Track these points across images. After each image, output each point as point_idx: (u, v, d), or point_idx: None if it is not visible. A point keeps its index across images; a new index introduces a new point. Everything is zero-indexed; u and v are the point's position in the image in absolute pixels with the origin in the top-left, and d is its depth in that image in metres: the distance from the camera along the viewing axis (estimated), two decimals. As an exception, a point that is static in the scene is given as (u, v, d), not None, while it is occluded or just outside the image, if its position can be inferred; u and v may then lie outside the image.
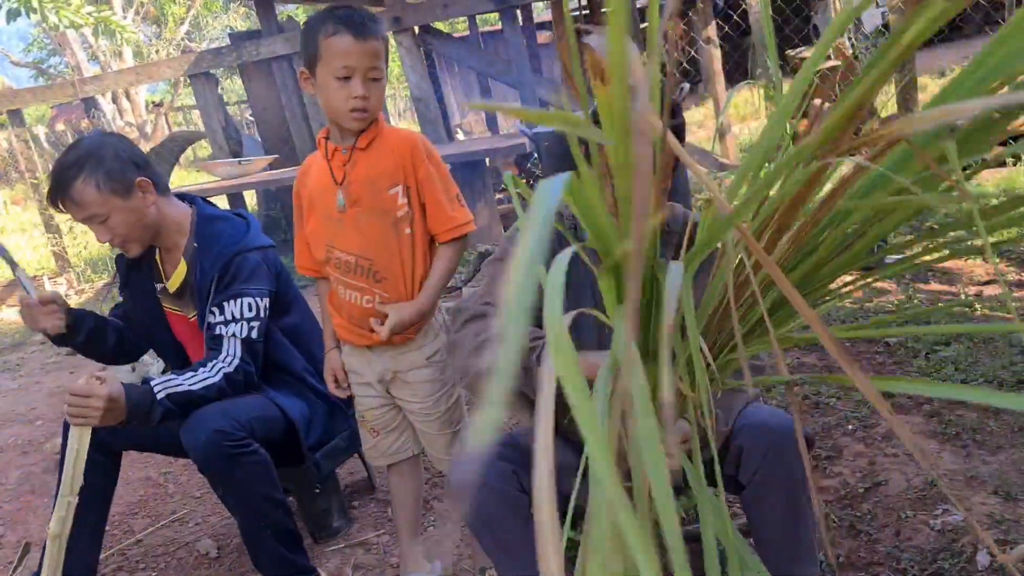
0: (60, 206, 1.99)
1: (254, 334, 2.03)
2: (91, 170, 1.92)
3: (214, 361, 1.99)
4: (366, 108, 1.76)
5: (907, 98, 5.21)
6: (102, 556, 2.55)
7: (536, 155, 5.07)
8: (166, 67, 6.46)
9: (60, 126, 21.13)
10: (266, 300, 2.07)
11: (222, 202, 5.82)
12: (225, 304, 2.02)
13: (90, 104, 6.67)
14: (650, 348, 1.22)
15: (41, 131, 18.49)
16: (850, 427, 2.41)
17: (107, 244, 2.07)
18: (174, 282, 2.14)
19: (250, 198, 7.42)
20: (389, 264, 1.83)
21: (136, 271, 2.21)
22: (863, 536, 1.95)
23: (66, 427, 2.00)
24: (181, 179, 15.03)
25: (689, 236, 1.68)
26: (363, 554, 2.30)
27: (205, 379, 1.95)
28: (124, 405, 1.84)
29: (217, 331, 2.02)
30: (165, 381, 1.92)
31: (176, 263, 2.13)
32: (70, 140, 16.86)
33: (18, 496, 3.17)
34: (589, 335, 1.66)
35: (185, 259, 2.11)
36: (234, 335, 2.01)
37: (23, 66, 25.89)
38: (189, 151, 12.24)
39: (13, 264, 2.08)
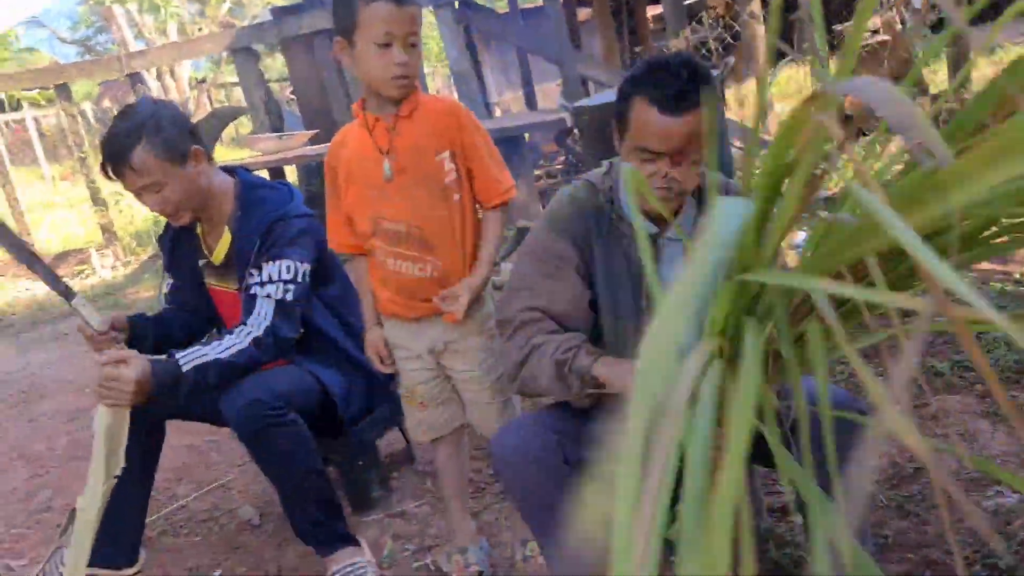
0: (114, 174, 1.97)
1: (289, 296, 2.01)
2: (150, 138, 1.91)
3: (244, 326, 1.98)
4: (407, 75, 1.74)
5: (959, 75, 5.04)
6: (148, 519, 2.61)
7: (577, 130, 5.02)
8: (208, 42, 6.51)
9: (106, 103, 21.43)
10: (306, 266, 2.06)
11: (263, 177, 5.87)
12: (264, 265, 2.02)
13: (136, 80, 6.74)
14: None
15: (88, 107, 18.80)
16: (898, 407, 2.35)
17: (155, 214, 2.09)
18: (219, 253, 2.15)
19: (291, 174, 7.46)
20: (440, 232, 1.82)
21: (180, 250, 2.22)
22: (912, 517, 1.91)
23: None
24: (221, 156, 15.18)
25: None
26: (402, 524, 2.32)
27: (231, 346, 1.94)
28: (151, 382, 1.84)
29: (252, 291, 2.01)
30: (191, 352, 1.91)
31: (220, 234, 2.14)
32: (80, 126, 17.11)
33: (66, 462, 3.24)
34: (628, 305, 1.64)
35: (229, 228, 2.11)
36: (268, 296, 2.00)
37: (71, 43, 26.34)
38: (230, 128, 12.34)
39: (69, 295, 2.01)
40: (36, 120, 17.42)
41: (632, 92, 1.48)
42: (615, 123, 1.57)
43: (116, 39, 17.80)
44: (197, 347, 1.94)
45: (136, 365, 1.82)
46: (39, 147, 17.00)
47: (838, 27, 6.25)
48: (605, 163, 1.74)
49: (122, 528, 2.22)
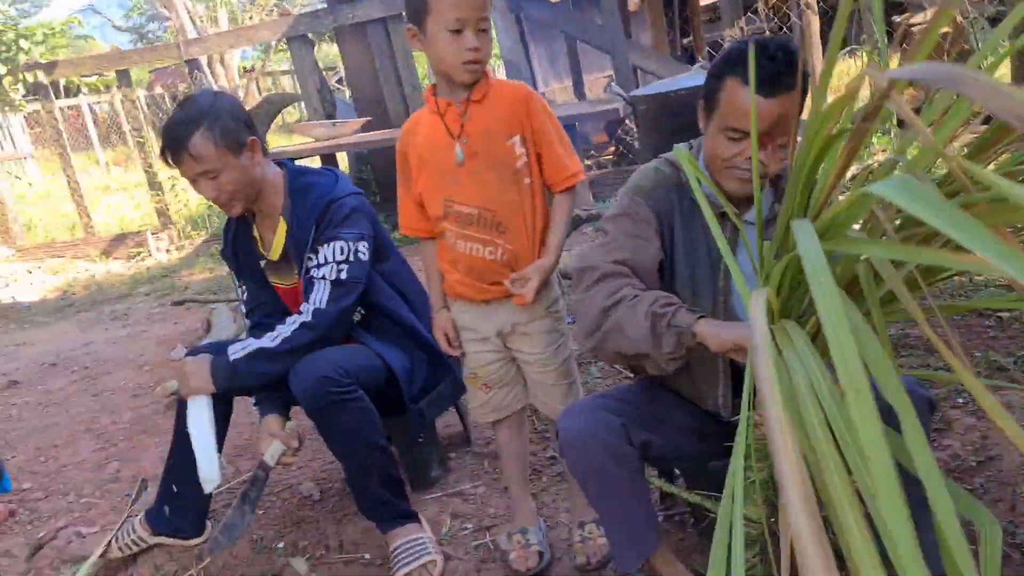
0: (173, 161, 2.04)
1: (344, 275, 2.07)
2: (209, 126, 1.97)
3: (298, 314, 2.07)
4: (479, 60, 1.78)
5: (1022, 67, 4.94)
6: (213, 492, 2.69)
7: (631, 119, 5.01)
8: (265, 30, 6.62)
9: (159, 89, 21.85)
10: (362, 244, 2.11)
11: (315, 164, 5.95)
12: (319, 248, 2.08)
13: (193, 66, 6.87)
14: (792, 308, 1.21)
15: (141, 94, 19.18)
16: (960, 400, 2.34)
17: (209, 200, 2.15)
18: (276, 247, 2.19)
19: (341, 161, 7.55)
20: (511, 215, 1.86)
21: (241, 255, 2.28)
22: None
23: (181, 404, 2.17)
24: (272, 142, 15.39)
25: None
26: (461, 504, 2.36)
27: (279, 335, 2.04)
28: (213, 381, 2.04)
29: (311, 275, 2.08)
30: (240, 344, 2.05)
31: (275, 226, 2.18)
32: (168, 104, 17.53)
33: (131, 435, 3.35)
34: (706, 283, 1.66)
35: (284, 218, 2.16)
36: (323, 277, 2.07)
37: (124, 31, 26.91)
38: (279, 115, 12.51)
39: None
40: (90, 107, 17.84)
41: (726, 72, 1.50)
42: (703, 103, 1.59)
43: (169, 26, 18.17)
44: (249, 338, 2.06)
45: (194, 368, 2.04)
46: (94, 133, 17.41)
47: (897, 18, 6.13)
48: (685, 144, 1.75)
49: (190, 500, 2.30)
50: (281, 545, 2.33)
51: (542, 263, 1.87)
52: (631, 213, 1.66)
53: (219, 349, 2.11)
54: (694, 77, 3.70)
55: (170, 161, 2.04)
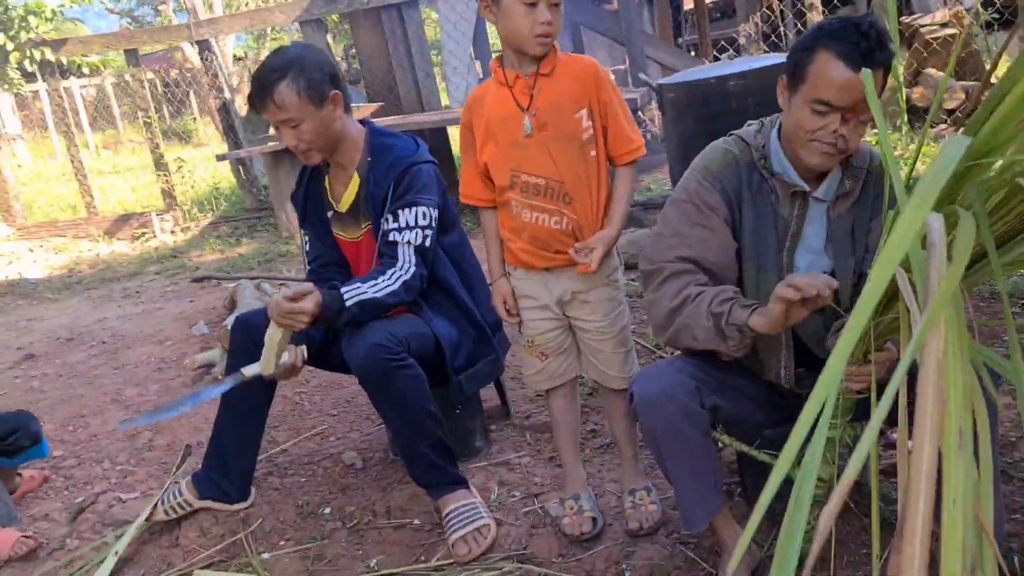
0: (258, 108, 2.10)
1: (427, 243, 2.14)
2: (295, 76, 2.02)
3: (392, 269, 2.11)
4: (550, 33, 1.82)
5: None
6: (252, 461, 2.72)
7: (649, 108, 5.07)
8: (279, 13, 6.61)
9: (149, 74, 21.69)
10: (436, 212, 2.17)
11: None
12: (400, 212, 2.13)
13: (204, 47, 6.85)
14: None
15: (130, 79, 18.98)
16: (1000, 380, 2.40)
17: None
18: (346, 200, 2.25)
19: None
20: (578, 186, 1.90)
21: (311, 203, 2.33)
22: (1016, 482, 1.97)
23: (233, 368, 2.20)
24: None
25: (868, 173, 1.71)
26: (507, 472, 2.40)
27: (387, 287, 2.08)
28: (321, 314, 2.01)
29: (391, 238, 2.13)
30: (353, 288, 2.05)
31: (348, 181, 2.24)
32: (160, 88, 17.43)
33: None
34: (772, 259, 1.71)
35: (359, 174, 2.21)
36: (408, 243, 2.12)
37: (116, 13, 26.62)
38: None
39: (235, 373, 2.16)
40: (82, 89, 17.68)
41: (817, 45, 1.53)
42: (787, 76, 1.62)
43: (163, 10, 17.99)
44: (357, 283, 2.07)
45: (313, 299, 1.98)
46: (84, 116, 17.26)
47: (904, 19, 6.22)
48: (756, 122, 1.80)
49: (235, 465, 2.34)
50: (328, 511, 2.37)
51: (606, 233, 1.91)
52: (696, 201, 1.71)
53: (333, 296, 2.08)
54: (723, 67, 3.75)
55: (256, 108, 2.10)
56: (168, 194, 7.39)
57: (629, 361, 2.06)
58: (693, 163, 1.79)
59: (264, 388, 2.33)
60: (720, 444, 1.79)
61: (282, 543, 2.26)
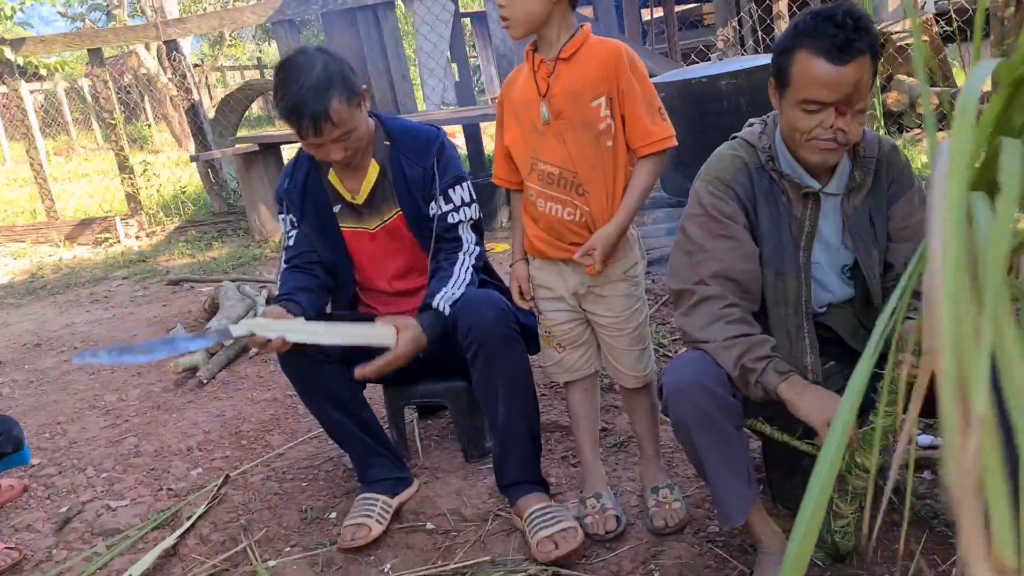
0: (313, 132, 1.92)
1: (479, 215, 2.14)
2: (339, 88, 1.91)
3: (461, 255, 2.09)
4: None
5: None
6: (247, 466, 2.62)
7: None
8: (251, 13, 6.47)
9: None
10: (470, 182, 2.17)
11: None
12: (451, 191, 2.10)
13: (172, 47, 6.69)
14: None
15: (85, 84, 18.52)
16: None
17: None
18: (364, 190, 2.15)
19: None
20: (591, 177, 1.85)
21: (309, 199, 2.19)
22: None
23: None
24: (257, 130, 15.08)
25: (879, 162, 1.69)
26: (519, 473, 2.34)
27: (464, 280, 2.06)
28: (428, 340, 1.99)
29: (451, 219, 2.10)
30: (440, 296, 2.02)
31: (363, 172, 2.14)
32: (112, 93, 16.96)
33: (144, 411, 3.24)
34: (790, 260, 1.68)
35: (376, 160, 2.13)
36: (464, 221, 2.10)
37: (67, 17, 26.02)
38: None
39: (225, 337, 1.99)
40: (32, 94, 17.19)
41: (795, 45, 1.51)
42: (773, 81, 1.60)
43: (117, 14, 17.62)
44: (440, 288, 2.02)
45: (414, 340, 1.97)
46: (35, 120, 16.80)
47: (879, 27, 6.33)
48: (757, 122, 1.77)
49: (380, 451, 2.24)
50: (333, 515, 2.28)
51: (604, 232, 1.84)
52: (714, 213, 1.67)
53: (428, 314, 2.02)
54: (714, 66, 3.75)
55: (310, 133, 1.93)
56: (133, 198, 7.17)
57: (644, 359, 2.01)
58: (701, 172, 1.74)
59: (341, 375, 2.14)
60: (754, 434, 1.76)
61: (287, 549, 2.16)
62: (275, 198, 2.36)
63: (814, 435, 1.79)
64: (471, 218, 2.13)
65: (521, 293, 2.04)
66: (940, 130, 5.38)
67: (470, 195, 2.13)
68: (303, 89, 1.89)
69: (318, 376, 2.08)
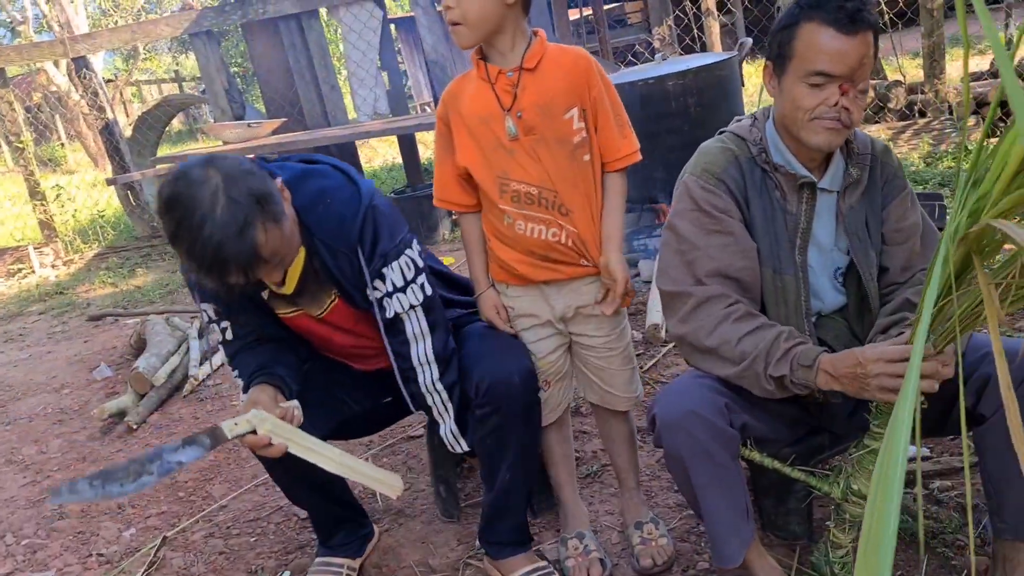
0: (248, 276, 1.51)
1: (427, 291, 1.74)
2: (257, 213, 1.46)
3: (417, 354, 1.76)
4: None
5: (934, 66, 5.18)
6: (186, 523, 2.40)
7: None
8: (165, 25, 6.14)
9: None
10: (415, 242, 1.76)
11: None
12: (383, 272, 1.69)
13: (81, 64, 6.31)
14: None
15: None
16: None
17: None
18: (291, 280, 1.70)
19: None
20: (572, 195, 1.69)
21: (235, 292, 1.62)
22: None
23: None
24: (185, 146, 14.48)
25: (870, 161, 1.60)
26: (489, 513, 2.17)
27: (439, 374, 1.78)
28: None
29: (389, 313, 1.72)
30: (436, 413, 1.82)
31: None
32: (19, 115, 15.98)
33: (67, 464, 2.96)
34: (787, 257, 1.57)
35: (303, 245, 1.68)
36: (411, 306, 1.72)
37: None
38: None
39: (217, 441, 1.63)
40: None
41: (800, 19, 1.46)
42: (772, 59, 1.53)
43: (22, 30, 16.82)
44: (417, 389, 1.79)
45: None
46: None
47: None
48: (747, 116, 1.68)
49: (346, 516, 2.03)
50: (287, 573, 2.07)
51: (615, 267, 1.72)
52: (706, 207, 1.56)
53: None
54: (660, 67, 3.64)
55: (240, 280, 1.51)
56: (47, 225, 6.75)
57: (635, 379, 1.87)
58: (688, 167, 1.63)
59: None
60: (746, 462, 1.63)
61: (238, 618, 1.95)
62: (184, 280, 1.92)
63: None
64: (413, 304, 1.72)
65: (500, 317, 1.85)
66: (876, 122, 5.42)
67: (413, 268, 1.72)
68: (214, 237, 1.42)
69: (296, 464, 1.69)
